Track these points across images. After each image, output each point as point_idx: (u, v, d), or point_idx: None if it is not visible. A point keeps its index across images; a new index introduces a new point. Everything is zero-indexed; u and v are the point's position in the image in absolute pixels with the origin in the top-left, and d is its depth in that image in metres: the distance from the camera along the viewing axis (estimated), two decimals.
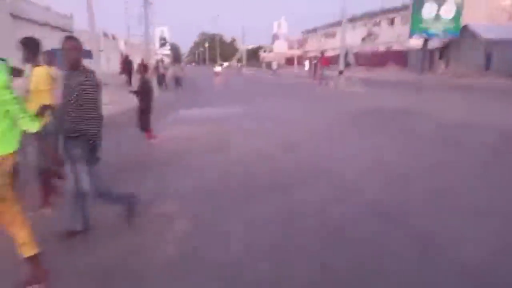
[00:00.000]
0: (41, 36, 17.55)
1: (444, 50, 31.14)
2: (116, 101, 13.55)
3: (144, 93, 6.90)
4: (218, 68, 38.78)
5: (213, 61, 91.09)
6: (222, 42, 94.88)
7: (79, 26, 25.31)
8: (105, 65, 27.52)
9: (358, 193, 4.22)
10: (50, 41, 22.73)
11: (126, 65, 21.33)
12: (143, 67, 7.29)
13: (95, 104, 2.98)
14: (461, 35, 28.21)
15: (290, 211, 3.75)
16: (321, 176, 4.91)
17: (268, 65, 47.19)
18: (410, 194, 4.20)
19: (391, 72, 35.14)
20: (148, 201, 4.00)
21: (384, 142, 6.92)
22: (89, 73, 3.02)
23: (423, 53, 30.46)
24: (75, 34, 15.66)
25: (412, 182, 4.65)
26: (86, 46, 15.97)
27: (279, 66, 44.27)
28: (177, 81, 20.72)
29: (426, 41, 29.93)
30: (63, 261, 2.88)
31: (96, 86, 3.01)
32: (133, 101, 14.23)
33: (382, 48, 43.89)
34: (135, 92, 6.99)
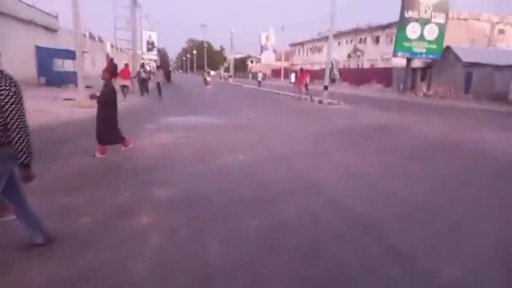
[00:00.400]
0: (25, 33, 17.29)
1: (426, 71, 31.98)
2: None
3: (105, 101, 6.10)
4: (208, 77, 37.57)
5: (201, 69, 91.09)
6: (210, 50, 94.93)
7: (66, 25, 24.92)
8: (90, 67, 27.02)
9: (339, 207, 4.18)
10: (34, 38, 22.25)
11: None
12: (107, 72, 6.20)
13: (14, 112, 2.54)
14: (443, 56, 29.11)
15: (271, 226, 3.67)
16: (304, 190, 4.86)
17: (254, 75, 47.52)
18: (389, 208, 4.19)
19: (374, 90, 35.82)
20: (123, 213, 3.85)
21: (364, 158, 6.96)
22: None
23: (405, 72, 31.29)
24: (59, 33, 15.46)
25: (391, 196, 4.65)
26: (70, 47, 15.67)
27: (264, 77, 44.59)
28: (159, 87, 19.38)
29: (409, 60, 30.78)
30: (31, 273, 2.71)
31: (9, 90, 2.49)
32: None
33: (366, 65, 44.78)
34: (94, 97, 6.19)
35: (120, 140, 6.59)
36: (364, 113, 15.11)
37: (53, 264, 2.86)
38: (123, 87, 16.80)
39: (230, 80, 50.71)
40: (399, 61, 32.62)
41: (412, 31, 29.32)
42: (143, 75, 20.27)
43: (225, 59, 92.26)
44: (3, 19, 16.78)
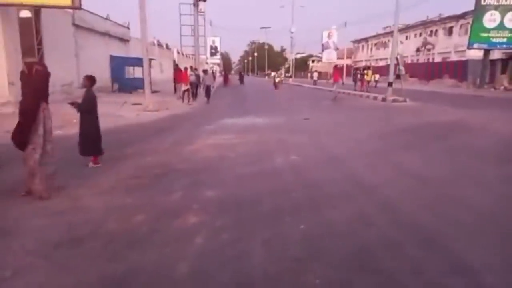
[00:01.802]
0: (101, 44, 18.82)
1: (507, 62, 28.77)
2: (167, 107, 13.97)
3: (86, 109, 5.75)
4: (277, 79, 33.41)
5: (262, 70, 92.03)
6: (271, 51, 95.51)
7: (137, 34, 26.74)
8: (158, 73, 28.73)
9: (396, 214, 3.86)
10: (109, 48, 24.25)
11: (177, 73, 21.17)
12: (88, 79, 5.75)
13: None
14: None
15: (318, 231, 3.50)
16: (358, 194, 4.58)
17: (312, 75, 46.74)
18: (456, 217, 3.76)
19: (447, 85, 33.13)
20: (173, 213, 3.96)
21: (429, 159, 6.39)
22: None
23: (483, 65, 28.45)
24: (131, 43, 16.57)
25: (460, 203, 4.18)
26: (140, 55, 16.71)
27: (320, 76, 43.59)
28: (208, 91, 18.01)
29: (487, 52, 27.94)
30: (80, 269, 2.89)
31: None
32: (181, 107, 14.74)
33: (438, 59, 41.64)
34: (75, 105, 5.73)
35: (99, 152, 5.96)
36: (432, 111, 13.97)
37: (104, 259, 3.01)
38: (184, 91, 16.65)
39: (290, 80, 50.46)
40: (475, 53, 29.78)
41: (491, 19, 26.59)
42: (191, 78, 18.39)
43: (286, 59, 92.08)
44: (82, 32, 18.51)
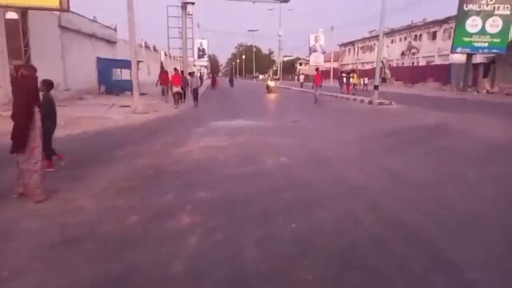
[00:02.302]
0: (88, 46, 18.64)
1: (489, 66, 29.62)
2: (156, 109, 13.95)
3: (44, 114, 5.02)
4: (271, 83, 29.98)
5: (250, 73, 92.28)
6: (259, 54, 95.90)
7: (124, 36, 26.60)
8: (145, 75, 28.56)
9: (382, 213, 4.02)
10: (96, 50, 24.00)
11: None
12: (45, 83, 5.56)
13: None
14: (509, 50, 26.80)
15: (309, 230, 3.62)
16: (345, 194, 4.73)
17: (299, 78, 46.96)
18: (439, 216, 3.94)
19: (431, 88, 33.88)
20: (166, 213, 4.03)
21: (413, 161, 6.61)
22: None
23: (466, 69, 29.22)
24: (118, 45, 16.48)
25: (442, 203, 4.36)
26: (127, 57, 16.64)
27: (306, 79, 43.85)
28: (195, 94, 17.48)
29: (469, 56, 28.72)
30: (77, 269, 2.94)
31: None
32: (170, 110, 14.73)
33: (422, 63, 42.54)
34: None
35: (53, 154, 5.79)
36: (417, 114, 14.32)
37: (100, 259, 3.07)
38: (176, 94, 16.29)
39: (278, 83, 50.81)
40: (458, 58, 30.56)
41: (472, 25, 27.37)
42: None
43: (273, 62, 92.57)
44: (68, 34, 18.33)
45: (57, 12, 15.03)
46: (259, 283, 2.77)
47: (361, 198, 4.62)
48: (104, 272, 2.89)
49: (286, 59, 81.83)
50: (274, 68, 76.76)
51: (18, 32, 10.94)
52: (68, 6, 11.16)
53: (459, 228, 3.75)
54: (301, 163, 6.54)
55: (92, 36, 21.47)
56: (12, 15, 10.72)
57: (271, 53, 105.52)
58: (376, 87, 18.41)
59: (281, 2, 25.64)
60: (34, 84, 4.41)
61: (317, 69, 21.72)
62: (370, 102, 18.08)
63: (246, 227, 3.70)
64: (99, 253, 3.17)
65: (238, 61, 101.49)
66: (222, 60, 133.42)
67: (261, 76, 77.29)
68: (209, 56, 69.00)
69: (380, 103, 17.52)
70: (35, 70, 4.51)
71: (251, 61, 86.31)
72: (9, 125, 4.28)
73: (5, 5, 10.43)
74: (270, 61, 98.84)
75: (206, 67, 68.34)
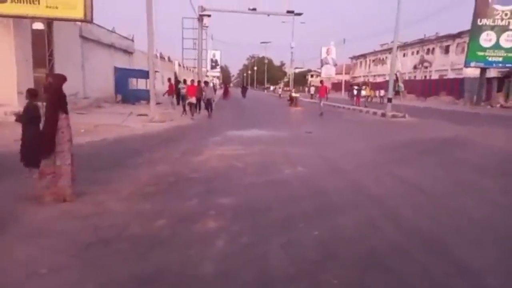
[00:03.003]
0: (106, 56, 19.10)
1: (503, 81, 29.43)
2: (171, 119, 14.24)
3: (28, 120, 5.42)
4: (295, 94, 26.06)
5: (261, 84, 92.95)
6: (270, 65, 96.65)
7: (140, 47, 27.27)
8: (160, 85, 29.08)
9: (400, 221, 4.11)
10: (114, 60, 24.58)
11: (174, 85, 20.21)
12: (28, 91, 5.59)
13: None
14: None
15: (331, 236, 3.73)
16: (364, 203, 4.84)
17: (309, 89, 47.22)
18: (457, 225, 4.01)
19: (444, 102, 33.70)
20: (192, 218, 4.18)
21: (428, 172, 6.66)
22: None
23: (479, 83, 29.07)
24: (135, 55, 16.87)
25: (460, 213, 4.43)
26: (143, 67, 17.10)
27: (316, 90, 43.84)
28: (205, 103, 17.15)
29: (483, 70, 28.61)
30: (111, 268, 3.10)
31: None
32: (185, 119, 15.00)
33: (435, 76, 42.41)
34: (18, 118, 5.47)
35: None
36: (431, 126, 14.33)
37: (133, 259, 3.23)
38: (190, 104, 16.41)
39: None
40: (472, 72, 30.47)
41: (486, 39, 27.35)
42: (183, 91, 18.20)
43: (285, 73, 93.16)
44: (88, 44, 18.89)
45: (79, 23, 15.56)
46: (286, 285, 2.89)
47: (379, 206, 4.71)
48: (138, 271, 3.04)
49: (297, 70, 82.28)
50: (286, 80, 77.22)
51: (44, 42, 11.39)
52: (92, 18, 11.59)
53: (476, 236, 3.83)
54: (318, 172, 6.65)
55: (110, 46, 22.06)
56: (38, 25, 11.19)
57: (282, 64, 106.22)
58: (389, 100, 18.48)
59: (294, 15, 25.94)
60: (59, 91, 4.65)
61: (321, 82, 21.80)
62: (383, 115, 18.13)
63: (269, 233, 3.83)
64: (132, 254, 3.33)
65: (249, 72, 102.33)
66: (233, 71, 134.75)
67: (271, 87, 77.82)
68: (221, 67, 69.80)
69: (394, 116, 17.55)
70: (63, 78, 4.75)
71: (262, 72, 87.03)
72: None
73: (32, 16, 10.90)
74: (281, 73, 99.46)
75: (218, 77, 69.10)
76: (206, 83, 18.33)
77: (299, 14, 26.69)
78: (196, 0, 24.03)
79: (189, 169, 6.63)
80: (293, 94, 25.41)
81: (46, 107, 4.61)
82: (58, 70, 11.55)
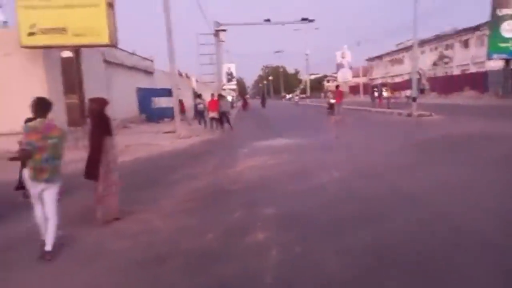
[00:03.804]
0: (129, 77, 19.53)
1: None
2: (197, 134, 14.44)
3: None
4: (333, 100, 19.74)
5: (277, 93, 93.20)
6: (285, 74, 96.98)
7: (157, 65, 27.95)
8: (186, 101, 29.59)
9: (449, 221, 4.00)
10: (136, 81, 25.20)
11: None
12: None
13: None
14: None
15: (383, 241, 3.67)
16: (406, 205, 4.74)
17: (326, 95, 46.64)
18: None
19: (467, 97, 32.80)
20: (239, 230, 4.21)
21: (467, 171, 6.47)
22: None
23: (504, 75, 28.19)
24: (155, 75, 17.25)
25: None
26: (163, 85, 17.46)
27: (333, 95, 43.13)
28: (222, 117, 16.66)
29: (507, 61, 27.75)
30: (171, 284, 3.14)
31: None
32: (209, 134, 15.15)
33: (456, 72, 41.43)
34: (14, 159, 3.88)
35: None
36: (461, 123, 13.95)
37: (192, 274, 3.27)
38: (212, 119, 16.54)
39: (307, 101, 50.98)
40: (496, 64, 29.60)
41: (508, 29, 26.60)
42: (200, 106, 18.71)
43: (300, 81, 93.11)
44: (112, 68, 19.50)
45: (103, 48, 16.09)
46: None
47: (426, 208, 4.60)
48: (202, 285, 3.07)
49: (313, 77, 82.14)
50: (302, 87, 77.13)
51: (72, 69, 11.82)
52: (117, 42, 11.97)
53: None
54: (354, 176, 6.58)
55: (132, 68, 22.69)
56: (67, 53, 11.63)
57: (297, 72, 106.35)
58: (414, 99, 18.14)
59: (309, 21, 26.05)
60: (101, 115, 4.81)
61: (337, 86, 20.88)
62: (409, 115, 17.79)
63: (320, 240, 3.81)
64: (189, 269, 3.37)
65: (265, 82, 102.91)
66: (248, 82, 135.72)
67: (287, 96, 77.91)
68: (237, 80, 70.51)
69: (420, 115, 17.20)
70: (105, 102, 4.94)
71: (277, 82, 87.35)
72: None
73: (61, 46, 11.36)
74: (297, 80, 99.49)
75: (234, 90, 69.75)
76: (220, 96, 18.09)
77: (312, 21, 26.80)
78: (208, 15, 24.59)
79: (225, 182, 6.69)
80: (331, 101, 20.27)
81: (90, 132, 4.77)
82: (87, 95, 11.93)
